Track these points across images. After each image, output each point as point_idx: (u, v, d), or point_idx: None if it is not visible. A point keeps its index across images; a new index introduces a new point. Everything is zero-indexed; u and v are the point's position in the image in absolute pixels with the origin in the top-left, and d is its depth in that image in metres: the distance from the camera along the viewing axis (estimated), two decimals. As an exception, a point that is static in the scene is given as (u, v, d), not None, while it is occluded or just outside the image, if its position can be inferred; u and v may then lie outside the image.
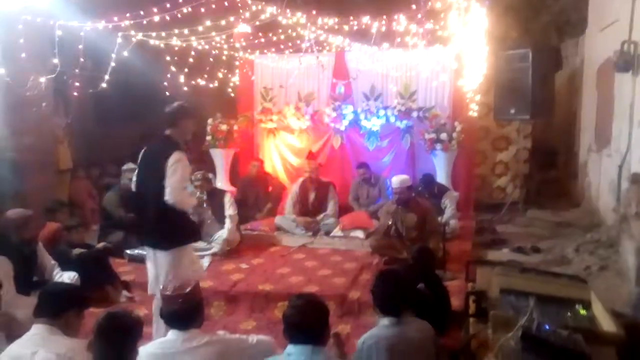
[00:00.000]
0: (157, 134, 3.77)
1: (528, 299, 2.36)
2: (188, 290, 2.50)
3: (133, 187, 3.86)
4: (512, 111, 6.57)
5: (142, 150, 3.72)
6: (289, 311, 2.34)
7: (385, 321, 2.66)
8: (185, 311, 2.48)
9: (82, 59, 4.80)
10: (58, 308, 2.51)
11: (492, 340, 2.27)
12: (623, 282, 4.26)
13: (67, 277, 4.08)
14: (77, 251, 4.64)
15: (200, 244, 5.67)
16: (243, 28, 5.94)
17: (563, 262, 5.10)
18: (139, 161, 3.71)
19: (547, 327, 2.10)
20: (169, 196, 3.34)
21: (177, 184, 3.36)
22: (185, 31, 5.07)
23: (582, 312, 2.67)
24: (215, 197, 5.85)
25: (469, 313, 2.91)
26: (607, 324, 2.48)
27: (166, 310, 2.50)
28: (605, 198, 6.09)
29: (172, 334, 2.51)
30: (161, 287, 3.03)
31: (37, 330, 2.45)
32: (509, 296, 2.71)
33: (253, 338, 2.77)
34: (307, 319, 2.28)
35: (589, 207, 6.78)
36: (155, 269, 3.62)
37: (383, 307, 2.73)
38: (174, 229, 3.52)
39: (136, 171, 3.75)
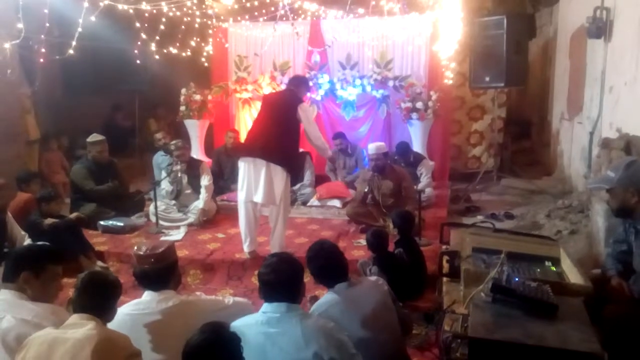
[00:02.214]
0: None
1: (499, 255, 2.40)
2: (161, 250, 2.48)
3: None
4: (487, 79, 6.59)
5: (265, 96, 5.22)
6: (263, 269, 2.33)
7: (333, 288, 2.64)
8: (157, 271, 2.46)
9: (47, 24, 4.63)
10: (12, 270, 2.43)
11: (464, 295, 2.31)
12: (593, 244, 4.37)
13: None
14: (49, 221, 4.55)
15: (176, 214, 5.66)
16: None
17: (535, 227, 5.20)
18: (261, 103, 4.87)
19: (517, 279, 2.14)
20: (312, 137, 4.61)
21: (314, 127, 4.66)
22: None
23: (552, 268, 2.74)
24: (191, 167, 5.81)
25: (442, 273, 2.94)
26: (575, 278, 2.55)
27: (139, 270, 2.48)
28: (576, 165, 6.20)
29: (147, 295, 2.49)
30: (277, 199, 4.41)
31: (4, 296, 2.38)
32: (480, 254, 2.75)
33: (230, 299, 2.78)
34: (281, 277, 2.28)
35: (561, 174, 6.90)
36: (266, 181, 4.39)
37: (323, 280, 2.70)
38: (293, 157, 4.65)
39: (260, 109, 4.79)
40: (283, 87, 7.23)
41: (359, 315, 2.51)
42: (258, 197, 4.45)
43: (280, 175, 4.42)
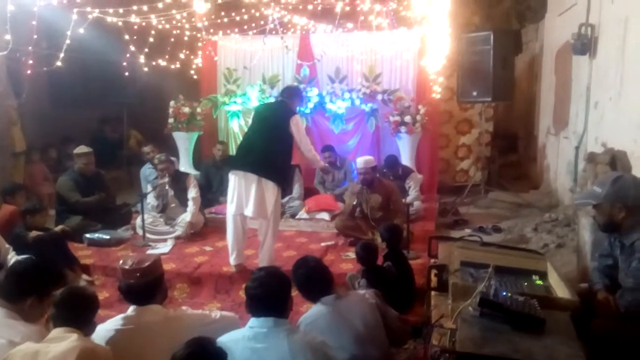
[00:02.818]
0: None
1: (487, 269, 2.40)
2: (147, 264, 2.45)
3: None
4: (475, 93, 6.67)
5: (257, 108, 5.01)
6: (250, 283, 2.30)
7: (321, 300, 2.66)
8: (143, 286, 2.43)
9: (35, 36, 4.62)
10: (16, 292, 2.40)
11: (452, 309, 2.31)
12: (579, 258, 4.40)
13: (23, 260, 3.94)
14: (33, 234, 4.47)
15: (163, 227, 5.61)
16: (201, 6, 5.73)
17: (522, 241, 5.23)
18: (253, 115, 4.79)
19: (504, 293, 2.15)
20: (304, 149, 4.53)
21: (306, 139, 4.56)
22: (144, 8, 4.92)
23: (539, 282, 2.75)
24: (178, 180, 5.76)
25: (430, 286, 2.94)
26: (562, 292, 2.55)
27: (124, 284, 2.45)
28: (562, 179, 6.26)
29: (133, 309, 2.46)
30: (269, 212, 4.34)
31: None
32: (468, 268, 2.76)
33: (216, 314, 2.74)
34: (268, 291, 2.26)
35: (548, 188, 6.96)
36: (257, 195, 4.33)
37: (308, 294, 2.72)
38: (285, 171, 4.71)
39: (252, 121, 4.73)
40: (273, 99, 7.27)
41: (348, 330, 2.50)
42: (249, 211, 4.40)
43: (271, 189, 4.37)
